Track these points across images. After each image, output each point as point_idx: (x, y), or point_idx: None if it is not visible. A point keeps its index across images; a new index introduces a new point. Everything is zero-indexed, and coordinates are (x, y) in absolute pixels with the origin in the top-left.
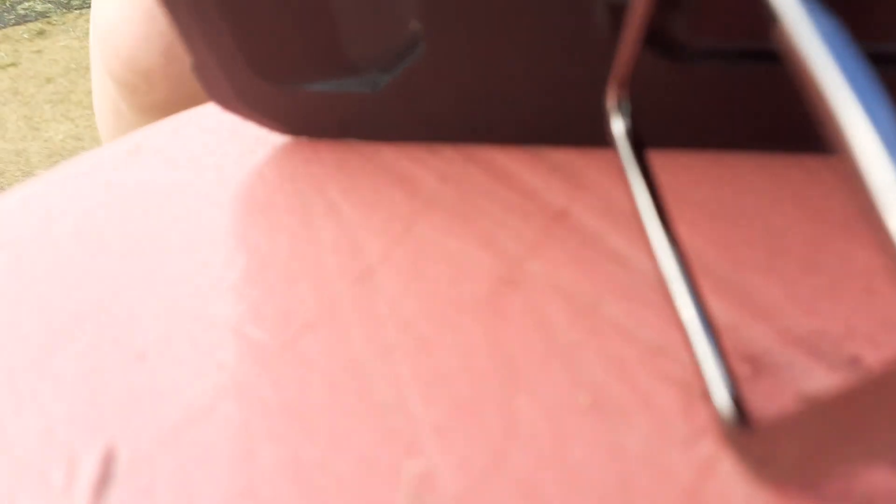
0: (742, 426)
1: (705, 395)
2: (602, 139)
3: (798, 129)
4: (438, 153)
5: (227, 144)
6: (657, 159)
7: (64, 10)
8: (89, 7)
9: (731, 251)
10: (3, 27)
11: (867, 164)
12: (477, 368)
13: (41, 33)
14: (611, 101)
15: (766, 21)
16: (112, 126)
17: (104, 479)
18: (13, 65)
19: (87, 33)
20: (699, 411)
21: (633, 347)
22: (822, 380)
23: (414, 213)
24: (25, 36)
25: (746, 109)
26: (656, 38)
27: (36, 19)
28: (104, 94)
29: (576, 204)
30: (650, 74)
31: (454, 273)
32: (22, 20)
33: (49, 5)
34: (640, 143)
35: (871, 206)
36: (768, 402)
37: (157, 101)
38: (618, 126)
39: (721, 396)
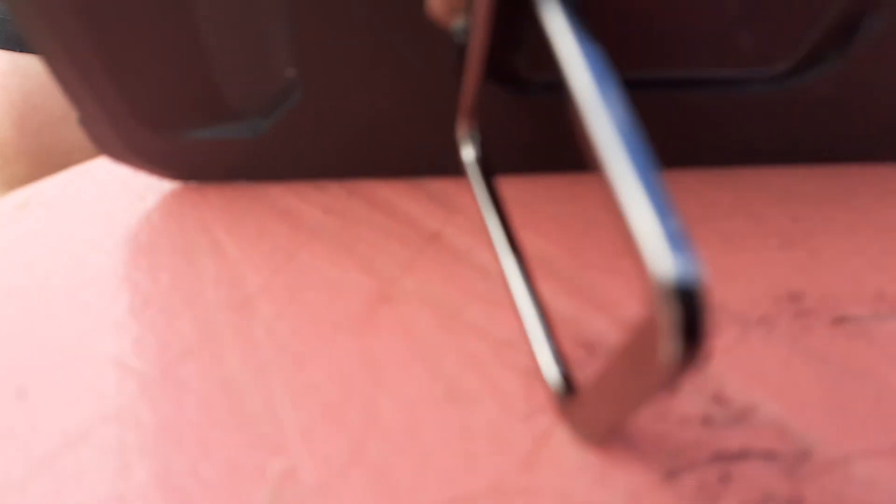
0: (571, 399)
1: (545, 375)
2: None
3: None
4: (324, 189)
5: (116, 194)
6: (520, 180)
7: None
8: None
9: (581, 256)
10: None
11: (618, 180)
12: (346, 376)
13: None
14: (461, 133)
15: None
16: None
17: None
18: None
19: None
20: (539, 392)
21: (487, 343)
22: None
23: (297, 244)
24: None
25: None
26: (500, 73)
27: None
28: None
29: (448, 226)
30: (497, 107)
31: (331, 296)
32: None
33: None
34: (489, 170)
35: (618, 211)
36: None
37: (15, 175)
38: (467, 154)
39: (552, 375)
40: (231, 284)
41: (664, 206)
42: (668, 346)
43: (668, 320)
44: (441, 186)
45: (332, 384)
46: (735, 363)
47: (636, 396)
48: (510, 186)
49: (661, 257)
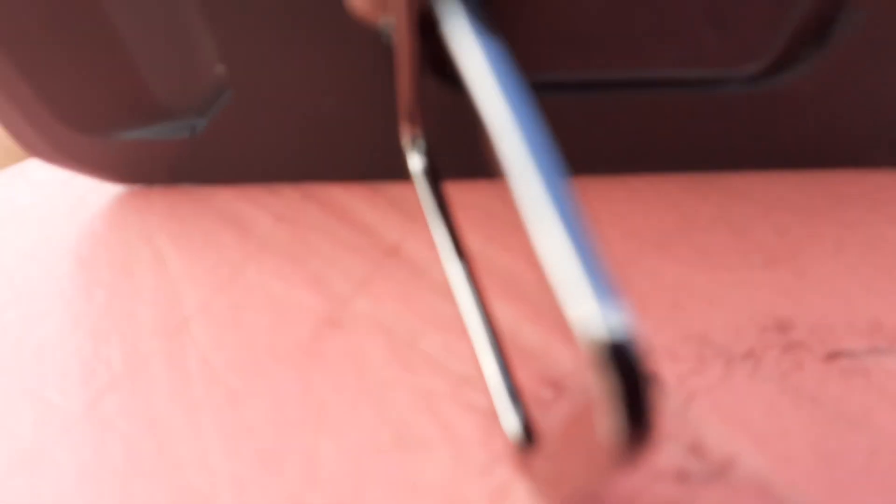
0: (531, 452)
1: (504, 422)
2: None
3: (613, 153)
4: (277, 193)
5: (56, 198)
6: (487, 186)
7: None
8: None
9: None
10: None
11: (520, 186)
12: (285, 417)
13: None
14: (405, 140)
15: (554, 54)
16: None
17: None
18: None
19: None
20: (498, 439)
21: (443, 380)
22: None
23: (244, 257)
24: None
25: (556, 137)
26: (442, 69)
27: None
28: None
29: (409, 238)
30: (445, 107)
31: (275, 320)
32: None
33: None
34: (438, 180)
35: (524, 220)
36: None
37: None
38: (413, 164)
39: (510, 422)
40: (168, 304)
41: (581, 239)
42: (605, 421)
43: (600, 389)
44: (402, 192)
45: (269, 427)
46: (717, 406)
47: (589, 473)
48: (475, 192)
49: (577, 306)
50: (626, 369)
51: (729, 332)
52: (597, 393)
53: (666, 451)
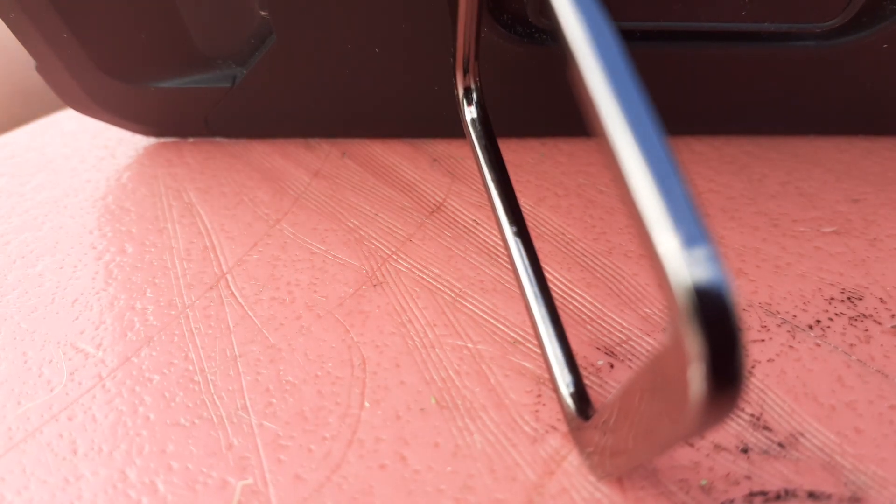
0: (585, 422)
1: (556, 389)
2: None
3: (677, 112)
4: (314, 149)
5: (86, 149)
6: (536, 144)
7: None
8: None
9: (604, 238)
10: None
11: (620, 147)
12: (325, 376)
13: None
14: (459, 89)
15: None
16: None
17: None
18: None
19: None
20: (549, 406)
21: (491, 342)
22: None
23: (280, 213)
24: None
25: None
26: (502, 15)
27: None
28: None
29: (452, 196)
30: (501, 57)
31: (315, 277)
32: None
33: None
34: (492, 132)
35: (623, 185)
36: None
37: None
38: (467, 114)
39: (564, 391)
40: (203, 259)
41: (679, 194)
42: (693, 382)
43: (690, 348)
44: (445, 149)
45: (308, 385)
46: (780, 378)
47: (659, 439)
48: (524, 151)
49: (674, 260)
50: (718, 317)
51: (794, 303)
52: (682, 346)
53: (727, 423)
